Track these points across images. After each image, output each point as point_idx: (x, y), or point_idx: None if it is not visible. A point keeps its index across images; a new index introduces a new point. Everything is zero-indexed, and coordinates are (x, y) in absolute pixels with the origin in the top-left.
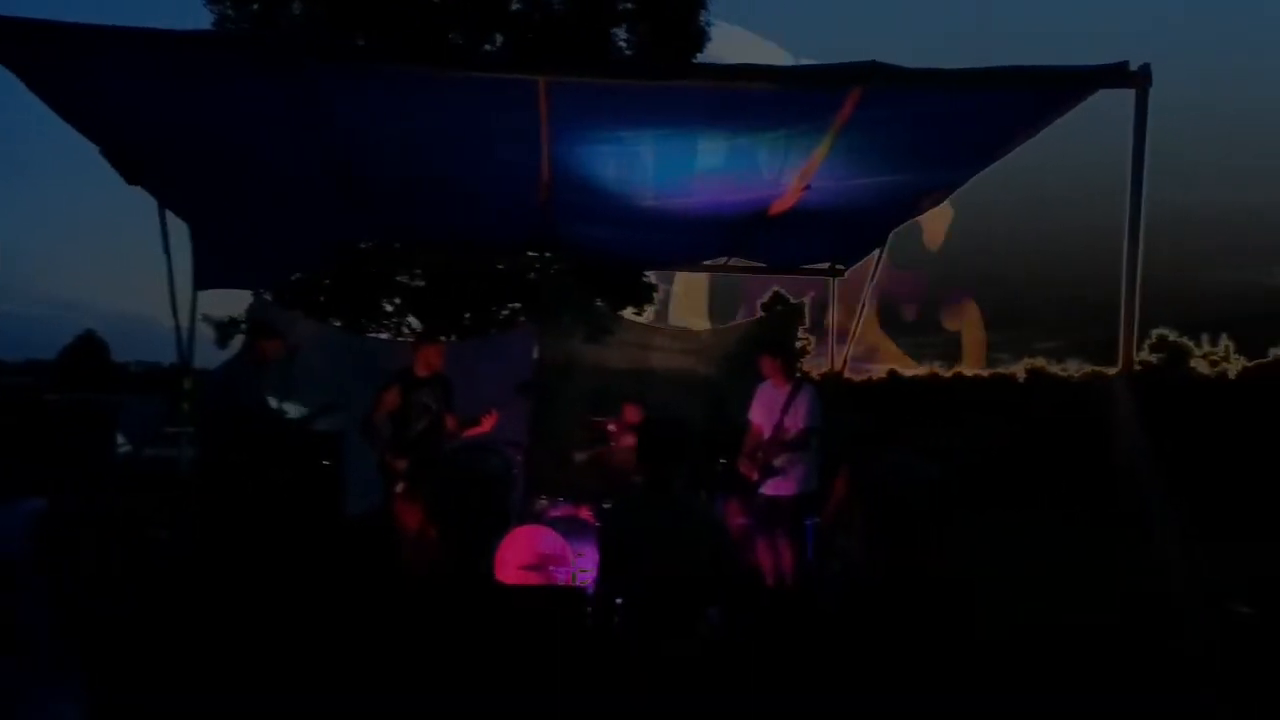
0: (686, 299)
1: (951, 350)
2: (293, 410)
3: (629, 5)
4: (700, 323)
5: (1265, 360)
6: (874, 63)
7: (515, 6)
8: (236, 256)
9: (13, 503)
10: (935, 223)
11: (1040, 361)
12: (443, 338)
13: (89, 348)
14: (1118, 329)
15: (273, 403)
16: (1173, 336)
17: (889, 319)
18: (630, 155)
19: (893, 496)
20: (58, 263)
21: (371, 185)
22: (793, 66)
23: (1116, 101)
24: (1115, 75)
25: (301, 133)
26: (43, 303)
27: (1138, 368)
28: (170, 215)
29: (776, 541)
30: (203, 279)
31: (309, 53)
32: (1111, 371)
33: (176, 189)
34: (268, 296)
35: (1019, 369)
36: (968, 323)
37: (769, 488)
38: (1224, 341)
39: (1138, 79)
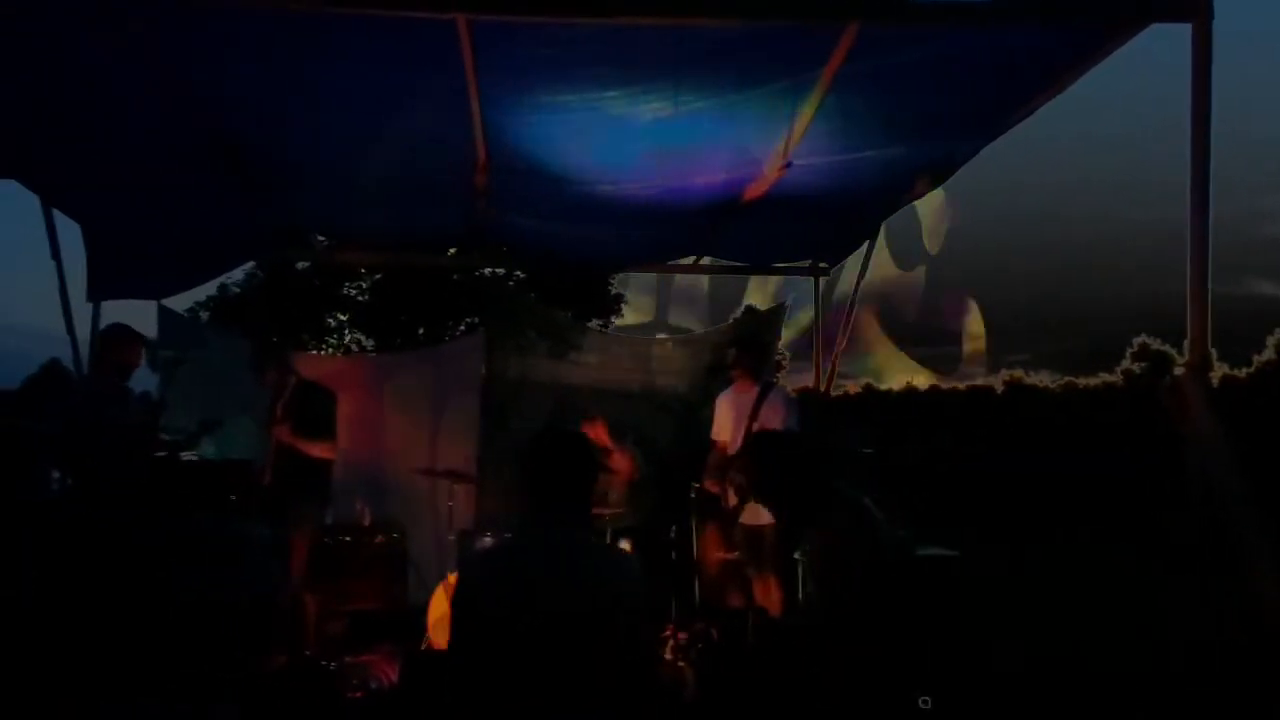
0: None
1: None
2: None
3: None
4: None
5: (1251, 369)
6: None
7: None
8: (132, 261)
9: None
10: (934, 223)
11: (1018, 373)
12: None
13: (53, 376)
14: (1086, 342)
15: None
16: (1155, 345)
17: (894, 329)
18: (577, 126)
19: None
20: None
21: (267, 170)
22: None
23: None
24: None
25: (173, 103)
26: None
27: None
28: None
29: (765, 578)
30: (97, 289)
31: None
32: (1089, 383)
33: (51, 180)
34: (199, 313)
35: (997, 381)
36: (972, 327)
37: (748, 516)
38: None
39: (1198, 9)
